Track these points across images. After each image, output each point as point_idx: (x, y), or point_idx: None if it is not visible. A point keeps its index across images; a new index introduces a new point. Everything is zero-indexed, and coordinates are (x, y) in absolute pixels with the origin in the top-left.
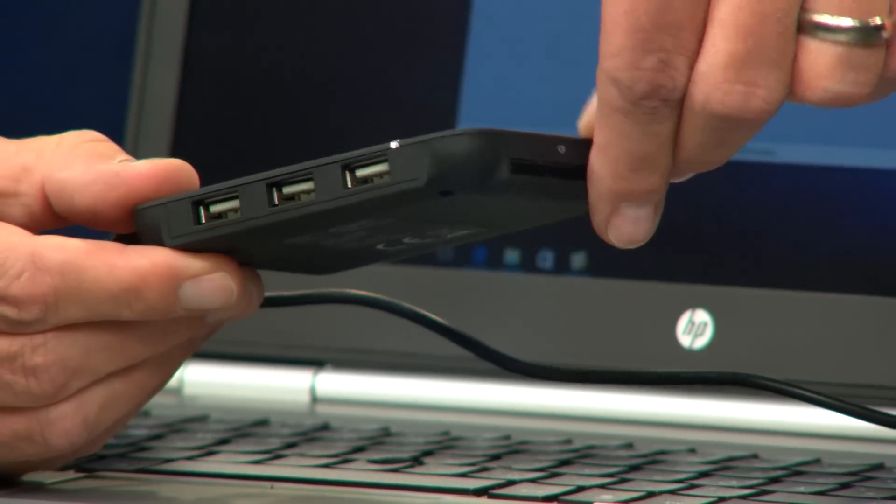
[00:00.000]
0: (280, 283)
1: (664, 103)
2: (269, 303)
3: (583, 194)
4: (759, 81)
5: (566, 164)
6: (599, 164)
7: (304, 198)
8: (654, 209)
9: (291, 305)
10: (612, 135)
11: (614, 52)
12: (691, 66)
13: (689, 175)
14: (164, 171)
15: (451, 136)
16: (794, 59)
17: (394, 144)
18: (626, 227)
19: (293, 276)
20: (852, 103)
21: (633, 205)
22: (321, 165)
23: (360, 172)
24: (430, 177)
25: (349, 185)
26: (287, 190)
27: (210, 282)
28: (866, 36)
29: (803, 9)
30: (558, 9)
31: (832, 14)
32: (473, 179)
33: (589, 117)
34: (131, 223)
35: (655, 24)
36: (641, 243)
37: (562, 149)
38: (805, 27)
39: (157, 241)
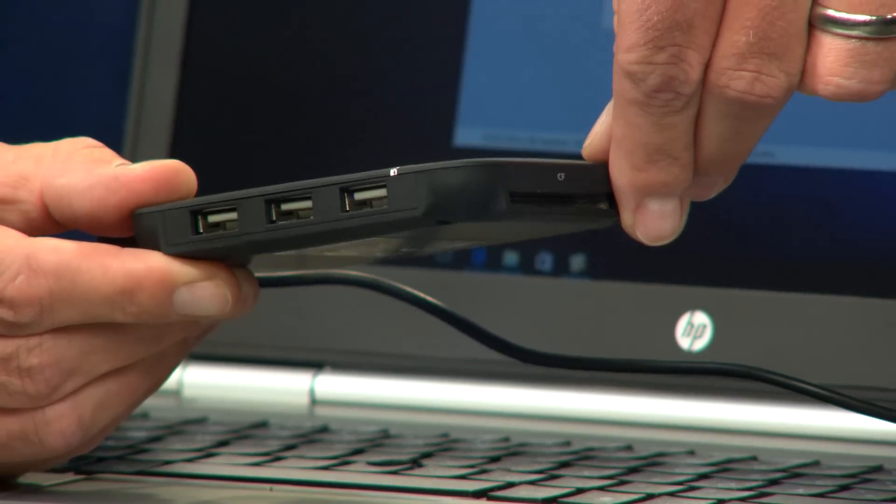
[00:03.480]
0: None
1: (677, 95)
2: (266, 283)
3: (583, 216)
4: (763, 70)
5: (566, 191)
6: (617, 157)
7: (301, 217)
8: (679, 204)
9: (289, 286)
10: (628, 127)
11: (628, 48)
12: (704, 62)
13: (717, 182)
14: (163, 172)
15: (450, 168)
16: (808, 52)
17: (393, 172)
18: (653, 222)
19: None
20: (866, 99)
21: (656, 199)
22: (320, 186)
23: (359, 196)
24: (429, 207)
25: (346, 208)
26: (285, 207)
27: (204, 289)
28: (880, 30)
29: (816, 2)
30: (557, 10)
31: (844, 10)
32: (471, 211)
33: (593, 141)
34: (131, 227)
35: (668, 21)
36: (670, 240)
37: (561, 176)
38: (817, 21)
39: (154, 247)
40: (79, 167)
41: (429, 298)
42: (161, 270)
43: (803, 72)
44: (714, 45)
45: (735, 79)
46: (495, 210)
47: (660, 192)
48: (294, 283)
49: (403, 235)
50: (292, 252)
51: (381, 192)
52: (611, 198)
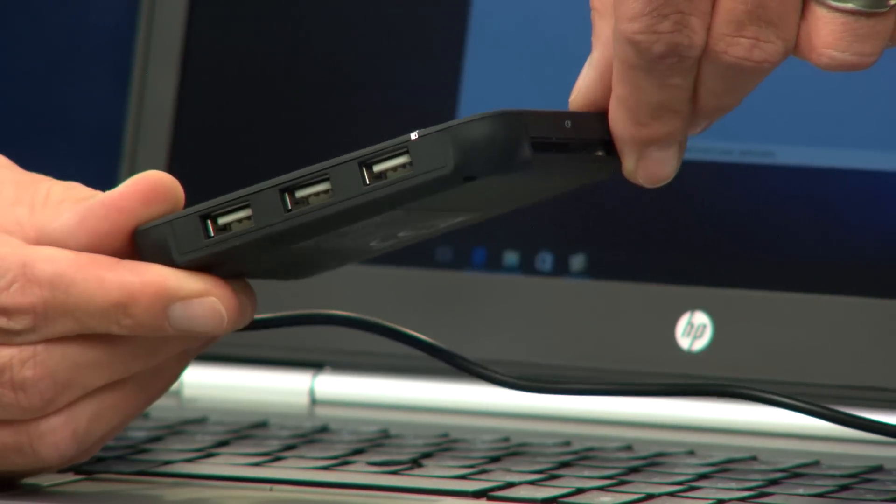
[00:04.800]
0: (260, 302)
1: (681, 59)
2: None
3: (587, 166)
4: (760, 37)
5: (574, 138)
6: (620, 114)
7: (319, 200)
8: (678, 148)
9: (271, 328)
10: (631, 88)
11: (631, 17)
12: (706, 26)
13: (706, 124)
14: (146, 185)
15: (473, 120)
16: (804, 22)
17: (413, 135)
18: (654, 168)
19: (276, 287)
20: (858, 69)
21: (658, 147)
22: (336, 165)
23: (378, 167)
24: (457, 163)
25: (367, 181)
26: (300, 193)
27: (200, 306)
28: (872, 3)
29: None
30: (557, 9)
31: None
32: (499, 162)
33: (579, 95)
34: (131, 253)
35: None
36: (669, 180)
37: (568, 124)
38: None
39: (164, 259)
40: (66, 209)
41: (415, 334)
42: (157, 284)
43: (798, 40)
44: (713, 10)
45: (733, 45)
46: (521, 159)
47: (662, 142)
48: (275, 325)
49: (421, 205)
50: (309, 243)
51: (404, 159)
52: (607, 145)
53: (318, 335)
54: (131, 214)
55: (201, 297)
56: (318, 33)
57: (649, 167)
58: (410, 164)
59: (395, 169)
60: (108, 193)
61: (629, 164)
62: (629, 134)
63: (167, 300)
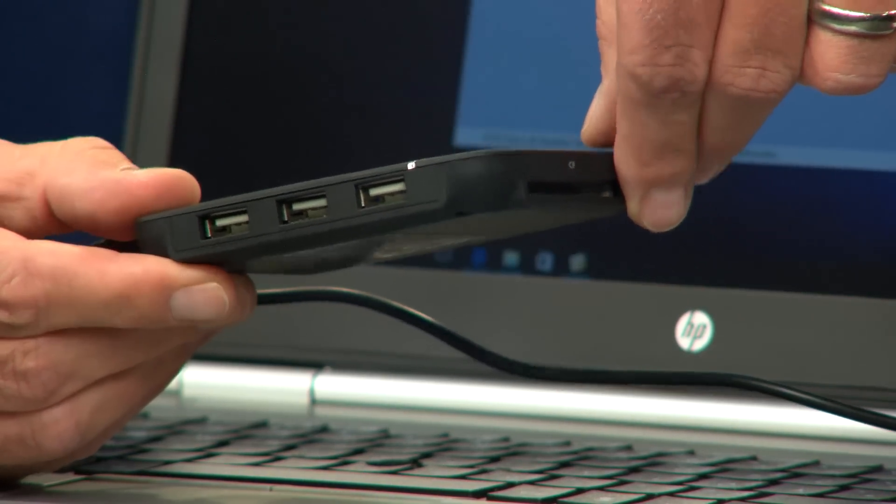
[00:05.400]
0: (269, 281)
1: (683, 94)
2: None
3: (590, 205)
4: (767, 66)
5: (577, 180)
6: (623, 152)
7: (315, 216)
8: (683, 192)
9: (279, 303)
10: (634, 125)
11: (632, 49)
12: (708, 59)
13: (715, 167)
14: (166, 180)
15: (469, 158)
16: (807, 47)
17: (410, 165)
18: (659, 211)
19: (277, 286)
20: (864, 92)
21: (662, 189)
22: (334, 184)
23: (374, 192)
24: (450, 199)
25: (362, 204)
26: (297, 207)
27: (202, 293)
28: (876, 26)
29: None
30: (557, 10)
31: (841, 6)
32: (491, 201)
33: (590, 126)
34: (131, 231)
35: (671, 19)
36: (675, 225)
37: (572, 164)
38: (815, 16)
39: (160, 253)
40: (83, 168)
41: (419, 314)
42: (158, 274)
43: (802, 66)
44: (716, 41)
45: (740, 76)
46: (515, 199)
47: (667, 184)
48: (282, 300)
49: (416, 231)
50: (302, 253)
51: (399, 187)
52: (615, 186)
53: (318, 333)
54: (142, 202)
55: (203, 283)
56: (317, 33)
57: (654, 210)
58: (405, 192)
59: (391, 194)
60: (128, 175)
61: (633, 206)
62: (633, 174)
63: (169, 289)
